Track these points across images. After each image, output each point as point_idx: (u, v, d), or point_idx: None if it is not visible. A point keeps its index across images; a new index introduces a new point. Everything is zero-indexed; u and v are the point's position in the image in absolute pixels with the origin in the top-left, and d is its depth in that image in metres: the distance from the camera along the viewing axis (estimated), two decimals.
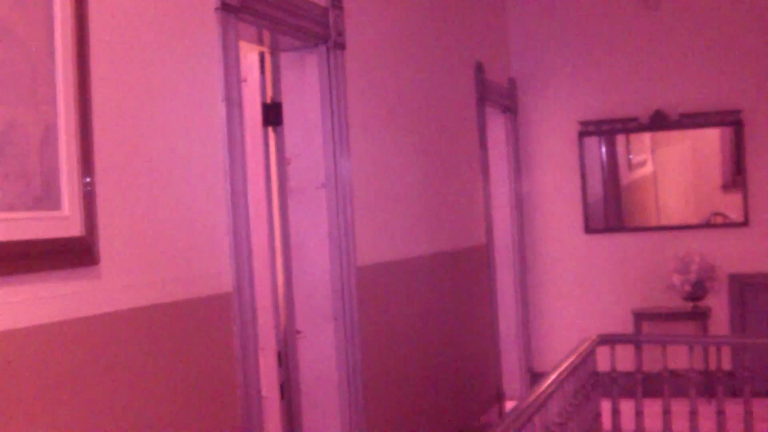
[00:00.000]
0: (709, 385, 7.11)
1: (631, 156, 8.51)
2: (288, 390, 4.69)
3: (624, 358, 5.99)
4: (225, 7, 3.66)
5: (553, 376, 4.24)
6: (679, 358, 6.78)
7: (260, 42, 4.53)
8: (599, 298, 8.30)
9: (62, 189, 2.74)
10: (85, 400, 2.81)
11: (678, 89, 8.12)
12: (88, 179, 2.83)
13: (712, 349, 7.02)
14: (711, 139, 8.22)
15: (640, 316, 7.94)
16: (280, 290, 4.69)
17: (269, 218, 4.68)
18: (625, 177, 8.54)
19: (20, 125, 2.59)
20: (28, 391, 2.59)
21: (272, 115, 4.69)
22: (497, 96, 7.83)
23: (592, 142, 8.38)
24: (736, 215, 8.06)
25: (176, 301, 3.30)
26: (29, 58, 2.65)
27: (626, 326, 7.99)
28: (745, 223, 8.00)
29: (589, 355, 5.14)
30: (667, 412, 5.45)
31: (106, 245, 2.92)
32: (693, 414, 5.38)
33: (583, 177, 8.38)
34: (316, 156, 4.65)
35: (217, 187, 3.60)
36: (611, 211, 8.47)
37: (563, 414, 4.28)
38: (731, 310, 7.95)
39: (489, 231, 7.40)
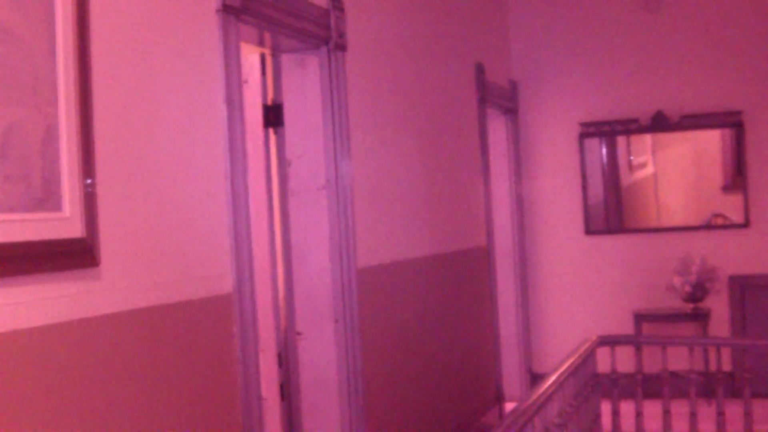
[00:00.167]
0: (709, 386, 7.12)
1: (631, 157, 8.52)
2: (288, 391, 4.70)
3: (624, 360, 6.00)
4: (226, 9, 3.66)
5: (553, 378, 4.24)
6: (679, 360, 6.79)
7: (261, 43, 4.54)
8: (599, 299, 8.30)
9: (63, 190, 2.75)
10: (85, 402, 2.82)
11: (679, 91, 8.12)
12: (89, 181, 2.84)
13: (713, 351, 7.03)
14: (712, 141, 8.22)
15: (640, 318, 7.94)
16: (281, 292, 4.70)
17: (270, 220, 4.68)
18: (626, 178, 8.55)
19: (21, 126, 2.60)
20: (28, 392, 2.59)
21: (273, 116, 4.69)
22: (498, 97, 7.83)
23: (592, 143, 8.38)
24: (736, 217, 8.06)
25: (177, 303, 3.30)
26: (30, 60, 2.65)
27: (626, 327, 7.99)
28: (745, 225, 8.00)
29: (589, 357, 5.14)
30: (667, 414, 5.45)
31: (106, 247, 2.92)
32: (693, 415, 5.39)
33: (584, 178, 8.38)
34: (316, 157, 4.65)
35: (218, 188, 3.61)
36: (612, 213, 8.47)
37: (563, 415, 4.28)
38: (731, 311, 7.95)
39: (489, 232, 7.40)
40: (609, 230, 8.38)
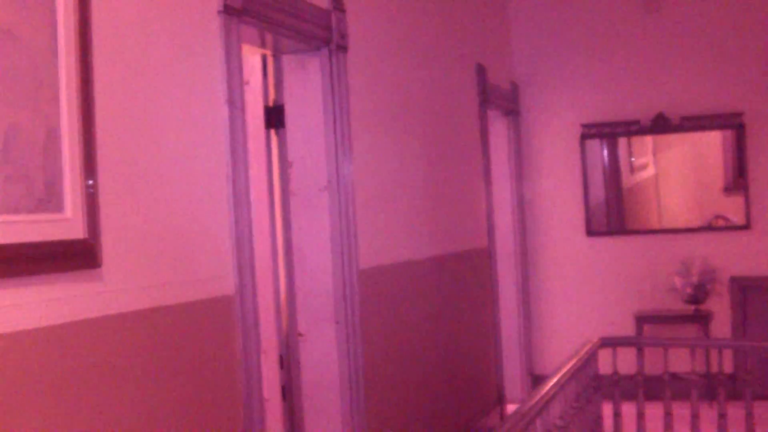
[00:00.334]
0: (711, 388, 7.12)
1: (632, 159, 8.52)
2: (289, 392, 4.69)
3: (626, 361, 5.99)
4: (228, 10, 3.66)
5: (554, 379, 4.24)
6: (680, 361, 6.78)
7: (263, 45, 4.54)
8: (601, 300, 8.30)
9: (65, 191, 2.75)
10: (87, 403, 2.82)
11: (680, 92, 8.12)
12: (90, 182, 2.84)
13: (714, 352, 7.02)
14: (713, 142, 8.22)
15: (641, 319, 7.94)
16: (282, 293, 4.70)
17: (271, 221, 4.68)
18: (627, 180, 8.54)
19: (23, 128, 2.60)
20: (30, 393, 2.59)
21: (274, 117, 4.69)
22: (499, 99, 7.83)
23: (593, 144, 8.38)
24: (737, 218, 8.06)
25: (178, 304, 3.30)
26: (32, 61, 2.65)
27: (628, 329, 7.99)
28: (746, 226, 8.00)
29: (590, 358, 5.14)
30: (668, 415, 5.45)
31: (108, 248, 2.92)
32: (694, 417, 5.39)
33: (585, 180, 8.38)
34: (318, 159, 4.65)
35: (220, 189, 3.61)
36: (613, 214, 8.47)
37: (565, 417, 4.28)
38: (733, 313, 7.95)
39: (491, 233, 7.40)
40: (610, 232, 8.38)
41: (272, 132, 4.71)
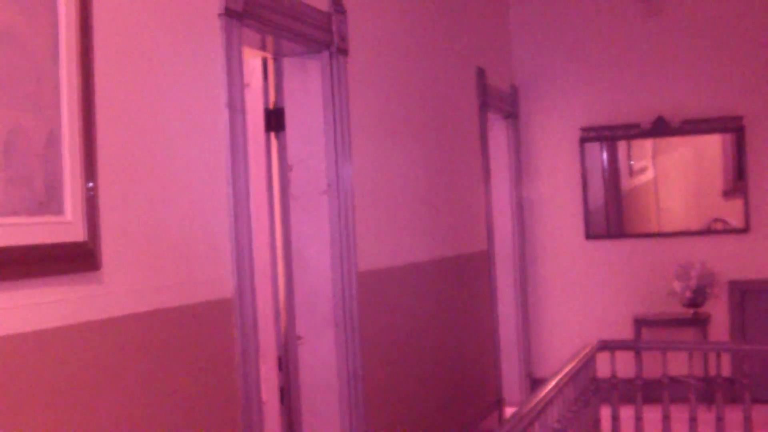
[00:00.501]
0: (709, 391, 7.12)
1: (632, 162, 8.52)
2: (288, 395, 4.70)
3: (624, 364, 5.99)
4: (228, 13, 3.67)
5: (553, 382, 4.25)
6: (679, 365, 6.78)
7: (263, 47, 4.54)
8: (599, 304, 8.30)
9: (65, 194, 2.75)
10: (87, 405, 2.82)
11: (679, 95, 8.13)
12: (91, 184, 2.84)
13: (712, 356, 7.02)
14: (712, 146, 8.23)
15: (640, 322, 7.94)
16: (281, 296, 4.70)
17: (271, 224, 4.68)
18: (626, 183, 8.55)
19: (24, 130, 2.60)
20: (30, 396, 2.60)
21: (275, 120, 4.70)
22: (499, 102, 7.84)
23: (593, 148, 8.39)
24: (736, 222, 8.06)
25: (177, 307, 3.31)
26: (33, 63, 2.66)
27: (626, 332, 8.00)
28: (745, 230, 8.01)
29: (589, 361, 5.14)
30: (666, 419, 5.45)
31: (108, 250, 2.93)
32: (692, 420, 5.39)
33: (584, 183, 8.39)
34: (318, 162, 4.66)
35: (220, 192, 3.61)
36: (612, 217, 8.48)
37: (563, 420, 4.28)
38: (731, 316, 7.95)
39: (490, 236, 7.41)
40: (609, 235, 8.38)
41: (272, 135, 4.71)
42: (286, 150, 4.69)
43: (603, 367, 5.53)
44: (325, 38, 4.59)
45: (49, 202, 2.70)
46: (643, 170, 8.52)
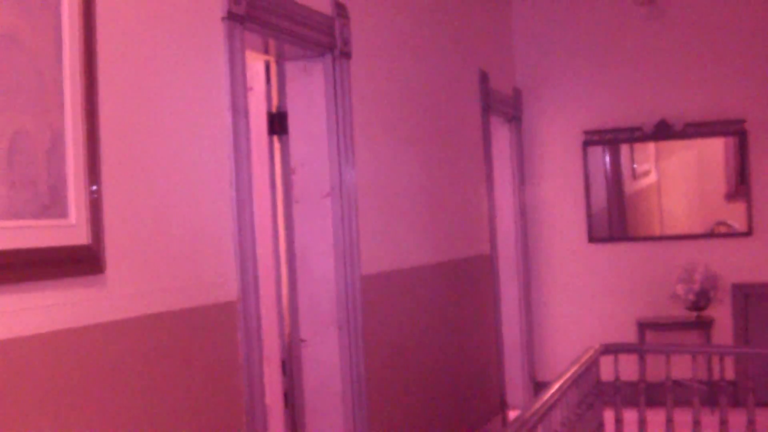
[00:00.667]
0: (713, 394, 7.11)
1: (635, 165, 8.52)
2: (292, 398, 4.70)
3: (627, 368, 5.99)
4: (231, 17, 3.68)
5: (556, 386, 4.24)
6: (682, 368, 6.77)
7: (266, 51, 4.55)
8: (603, 307, 8.29)
9: (69, 197, 2.76)
10: (90, 408, 2.82)
11: (682, 99, 8.13)
12: (94, 187, 2.85)
13: (716, 359, 7.02)
14: (715, 149, 8.23)
15: (643, 326, 7.94)
16: (285, 299, 4.70)
17: (274, 227, 4.68)
18: (629, 186, 8.55)
19: (28, 133, 2.61)
20: (33, 399, 2.60)
21: (278, 124, 4.70)
22: (502, 105, 7.84)
23: (596, 151, 8.39)
24: (739, 225, 8.06)
25: (181, 310, 3.31)
26: (37, 66, 2.66)
27: (630, 335, 7.99)
28: (748, 233, 8.00)
29: (592, 365, 5.14)
30: (670, 422, 5.45)
31: (112, 253, 2.93)
32: (696, 424, 5.39)
33: (587, 186, 8.39)
34: (321, 165, 4.66)
35: (223, 195, 3.62)
36: (615, 221, 8.47)
37: (566, 423, 4.28)
38: (735, 319, 7.94)
39: (493, 240, 7.41)
40: (612, 238, 8.38)
41: (275, 138, 4.72)
42: (289, 153, 4.69)
43: (606, 370, 5.53)
44: (328, 42, 4.60)
45: (52, 205, 2.70)
46: (646, 173, 8.52)
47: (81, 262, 2.79)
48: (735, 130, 8.01)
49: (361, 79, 4.95)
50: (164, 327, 3.21)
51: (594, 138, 8.33)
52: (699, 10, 8.13)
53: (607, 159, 8.43)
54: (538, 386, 7.95)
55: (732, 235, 8.08)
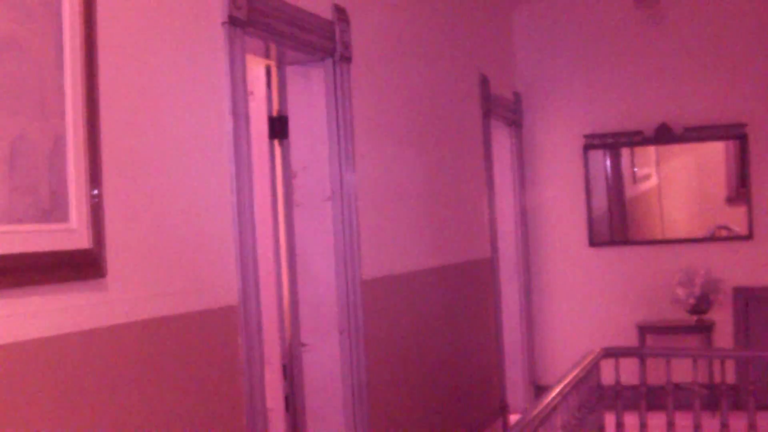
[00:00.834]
0: (714, 398, 7.11)
1: (635, 169, 8.52)
2: (293, 403, 4.70)
3: (628, 371, 5.99)
4: (232, 21, 3.68)
5: (557, 389, 4.24)
6: (683, 372, 6.77)
7: (267, 55, 4.55)
8: (603, 311, 8.29)
9: (70, 201, 2.76)
10: (91, 412, 2.83)
11: (683, 103, 8.13)
12: (95, 192, 2.85)
13: (717, 363, 7.02)
14: (715, 153, 8.23)
15: (644, 329, 7.94)
16: (286, 303, 4.70)
17: (275, 231, 4.68)
18: (630, 190, 8.55)
19: (29, 138, 2.61)
20: (35, 403, 2.60)
21: (278, 128, 4.70)
22: (502, 109, 7.85)
23: (596, 155, 8.39)
24: (740, 228, 8.06)
25: (182, 314, 3.31)
26: (38, 71, 2.67)
27: (630, 339, 7.99)
28: (749, 237, 8.00)
29: (593, 368, 5.14)
30: (671, 426, 5.44)
31: (113, 258, 2.93)
32: (697, 427, 5.38)
33: (588, 190, 8.39)
34: (321, 169, 4.67)
35: (224, 199, 3.62)
36: (616, 225, 8.48)
37: (567, 427, 4.28)
38: (735, 323, 7.94)
39: (494, 244, 7.41)
40: (613, 242, 8.38)
41: (276, 142, 4.72)
42: (290, 157, 4.70)
43: (607, 373, 5.53)
44: (328, 46, 4.61)
45: (54, 210, 2.70)
46: (646, 177, 8.52)
47: (82, 266, 2.79)
48: (735, 134, 8.01)
49: (361, 83, 4.96)
50: (165, 331, 3.21)
51: (595, 142, 8.34)
52: (699, 15, 8.14)
53: (608, 163, 8.43)
54: (539, 390, 7.95)
55: (732, 238, 8.08)
